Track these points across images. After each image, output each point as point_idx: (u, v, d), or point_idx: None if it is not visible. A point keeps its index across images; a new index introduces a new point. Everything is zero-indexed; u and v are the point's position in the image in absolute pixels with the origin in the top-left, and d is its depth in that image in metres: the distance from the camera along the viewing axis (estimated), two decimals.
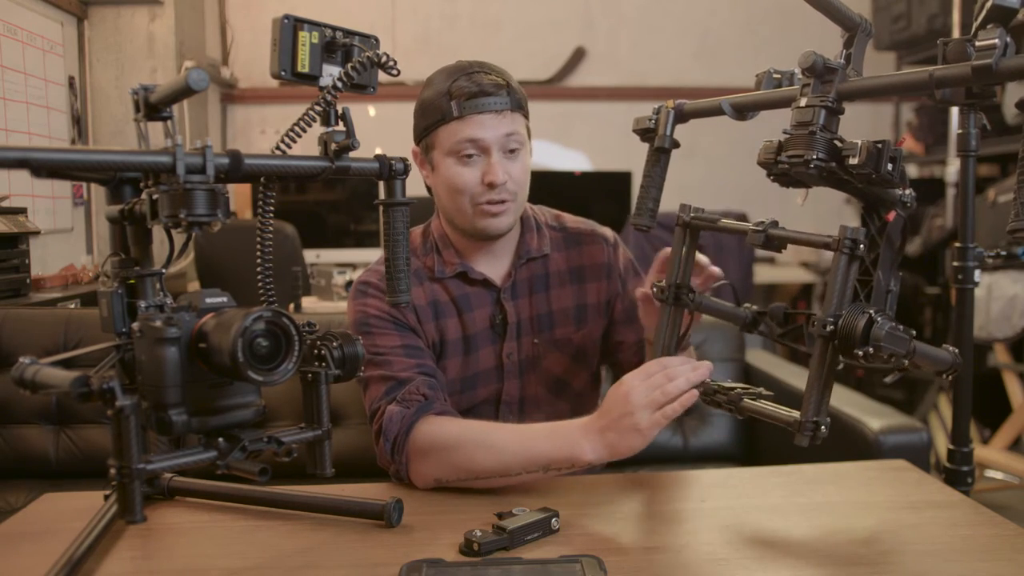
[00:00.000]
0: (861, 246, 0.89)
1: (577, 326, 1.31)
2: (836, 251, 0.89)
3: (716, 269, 1.15)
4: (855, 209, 3.77)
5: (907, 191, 0.91)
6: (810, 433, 0.89)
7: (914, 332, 0.90)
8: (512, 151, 1.20)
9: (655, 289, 1.11)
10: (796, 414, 0.91)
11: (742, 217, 1.08)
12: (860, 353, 0.85)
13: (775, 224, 0.99)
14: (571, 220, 1.37)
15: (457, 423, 1.13)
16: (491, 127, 1.17)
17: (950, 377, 1.02)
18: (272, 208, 0.82)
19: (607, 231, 1.38)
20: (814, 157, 0.85)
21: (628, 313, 1.33)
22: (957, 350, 1.00)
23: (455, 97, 1.17)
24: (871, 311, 0.86)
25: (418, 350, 1.20)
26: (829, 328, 0.87)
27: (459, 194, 1.20)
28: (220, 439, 0.74)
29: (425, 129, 1.21)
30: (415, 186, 1.06)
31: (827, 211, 3.97)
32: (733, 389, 1.00)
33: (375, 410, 1.16)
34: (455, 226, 1.26)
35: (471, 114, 1.16)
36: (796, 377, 1.86)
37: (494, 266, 1.29)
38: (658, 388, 1.01)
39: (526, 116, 1.24)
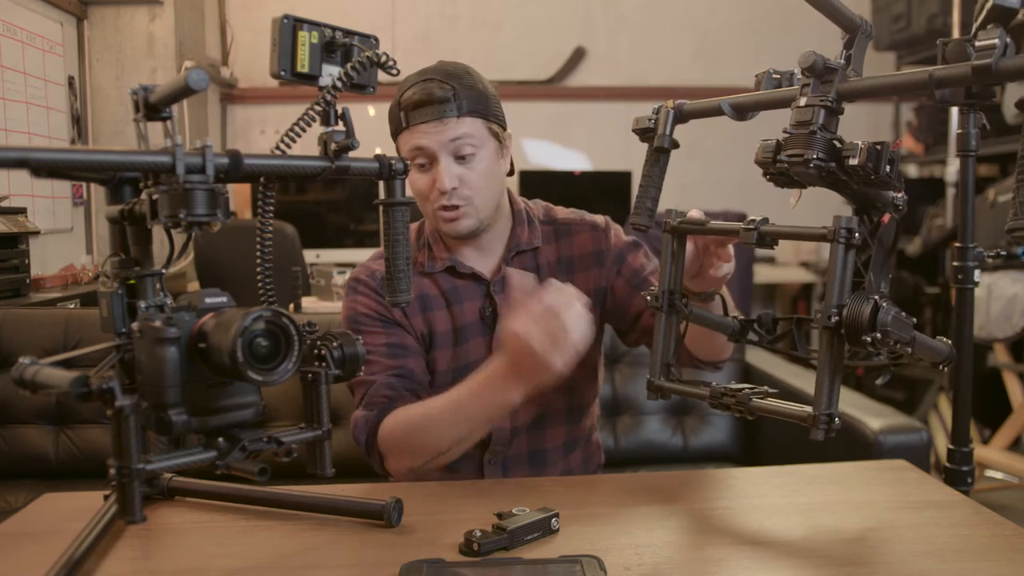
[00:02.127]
0: (857, 234, 0.88)
1: None
2: (832, 241, 0.89)
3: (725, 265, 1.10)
4: None
5: (900, 195, 0.91)
6: (825, 426, 0.89)
7: (914, 320, 0.90)
8: (464, 156, 1.21)
9: (648, 298, 1.11)
10: (808, 409, 0.91)
11: (742, 217, 1.07)
12: (868, 339, 0.85)
13: (766, 221, 0.99)
14: (561, 212, 1.38)
15: (404, 413, 1.18)
16: (433, 134, 1.19)
17: (946, 368, 1.02)
18: (272, 208, 0.82)
19: (597, 217, 1.38)
20: (814, 156, 0.85)
21: (632, 282, 1.32)
22: (950, 341, 1.00)
23: (403, 107, 1.20)
24: (875, 297, 0.86)
25: (401, 348, 1.24)
26: (834, 319, 0.87)
27: (421, 199, 1.25)
28: (220, 439, 0.74)
29: (392, 136, 1.26)
30: None
31: (827, 211, 3.96)
32: (740, 390, 1.00)
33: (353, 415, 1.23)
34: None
35: (415, 124, 1.20)
36: (796, 376, 1.86)
37: (483, 260, 1.31)
38: (553, 332, 1.01)
39: (487, 118, 1.23)
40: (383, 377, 1.21)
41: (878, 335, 0.84)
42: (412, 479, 1.19)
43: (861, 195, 0.92)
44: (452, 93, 1.20)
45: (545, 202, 1.40)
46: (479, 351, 1.29)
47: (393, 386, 1.20)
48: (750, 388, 1.00)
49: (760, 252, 3.96)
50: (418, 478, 1.20)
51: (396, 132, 1.24)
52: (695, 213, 1.10)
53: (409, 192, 0.89)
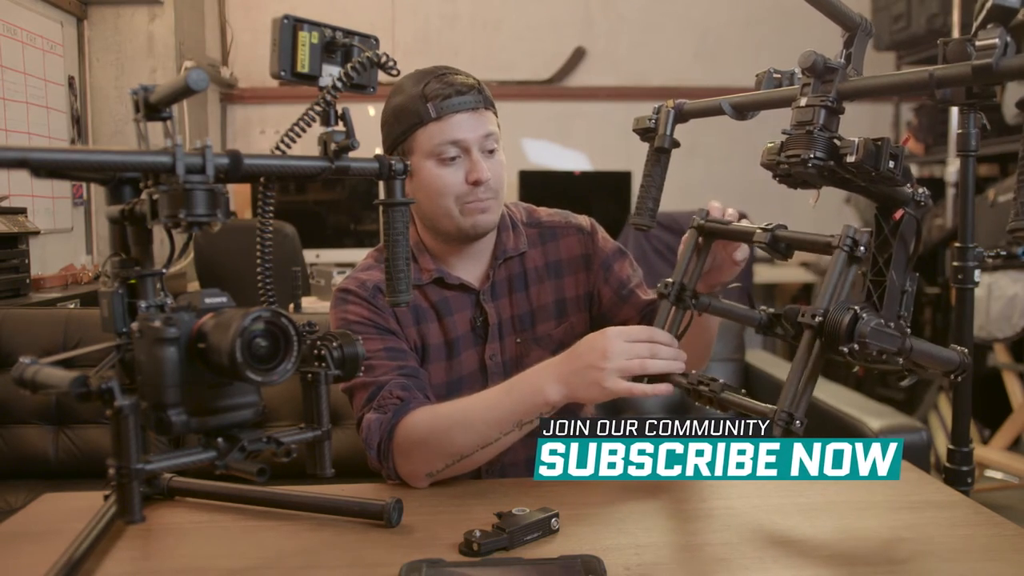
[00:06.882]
0: (861, 248, 0.89)
1: (558, 321, 1.31)
2: (837, 248, 0.89)
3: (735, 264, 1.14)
4: (855, 209, 3.77)
5: (921, 189, 0.91)
6: (783, 424, 0.88)
7: (908, 330, 0.89)
8: (492, 150, 1.21)
9: (658, 285, 1.12)
10: (774, 407, 0.91)
11: (742, 217, 1.08)
12: (845, 350, 0.85)
13: (783, 227, 1.00)
14: (545, 214, 1.37)
15: (427, 413, 1.13)
16: (470, 127, 1.18)
17: (959, 378, 1.01)
18: (272, 208, 0.82)
19: (582, 219, 1.37)
20: (811, 156, 0.85)
21: (620, 293, 1.31)
22: (966, 350, 0.99)
23: (431, 99, 1.17)
24: (856, 308, 0.86)
25: (400, 352, 1.20)
26: (817, 319, 0.87)
27: (443, 196, 1.20)
28: (219, 439, 0.74)
29: (401, 135, 1.21)
30: None
31: (828, 212, 3.97)
32: (716, 381, 1.00)
33: (359, 419, 1.17)
34: (437, 230, 1.25)
35: (449, 114, 1.17)
36: None
37: (471, 269, 1.28)
38: (638, 359, 1.01)
39: (496, 114, 1.24)
40: (394, 378, 1.16)
41: (855, 346, 0.84)
42: (425, 485, 1.13)
43: (880, 194, 0.92)
44: (477, 85, 1.20)
45: (526, 203, 1.39)
46: (472, 363, 1.27)
47: (406, 387, 1.16)
48: (725, 382, 1.00)
49: (761, 252, 3.96)
50: (432, 485, 1.14)
51: (415, 127, 1.18)
52: (715, 204, 1.11)
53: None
